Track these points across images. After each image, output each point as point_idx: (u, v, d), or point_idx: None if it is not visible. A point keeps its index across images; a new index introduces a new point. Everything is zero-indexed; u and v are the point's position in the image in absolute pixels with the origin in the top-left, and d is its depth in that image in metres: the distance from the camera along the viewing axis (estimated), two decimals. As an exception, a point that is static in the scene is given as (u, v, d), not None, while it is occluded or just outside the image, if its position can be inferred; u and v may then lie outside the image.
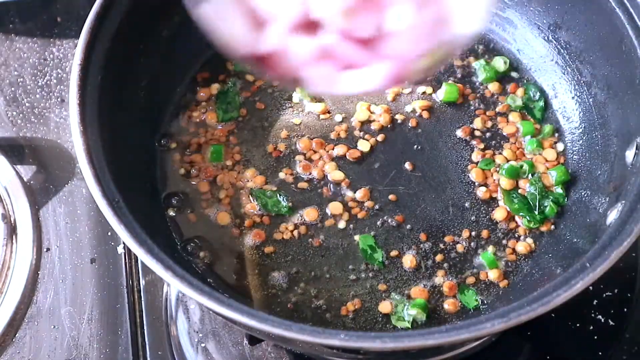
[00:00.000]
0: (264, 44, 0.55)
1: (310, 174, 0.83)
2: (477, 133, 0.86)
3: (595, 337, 0.79)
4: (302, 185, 0.82)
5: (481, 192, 0.82)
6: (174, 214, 0.80)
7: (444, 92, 0.87)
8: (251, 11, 0.55)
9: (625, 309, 0.80)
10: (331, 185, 0.82)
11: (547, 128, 0.85)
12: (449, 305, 0.76)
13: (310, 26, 0.54)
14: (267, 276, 0.77)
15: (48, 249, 0.86)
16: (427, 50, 0.55)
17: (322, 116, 0.86)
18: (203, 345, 0.79)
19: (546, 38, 0.87)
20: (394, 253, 0.78)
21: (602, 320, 0.79)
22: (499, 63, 0.89)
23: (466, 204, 0.81)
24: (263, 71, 0.57)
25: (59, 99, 0.96)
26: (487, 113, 0.87)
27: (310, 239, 0.79)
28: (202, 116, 0.86)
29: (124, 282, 0.84)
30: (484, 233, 0.80)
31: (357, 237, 0.79)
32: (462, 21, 0.55)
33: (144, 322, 0.81)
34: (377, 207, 0.81)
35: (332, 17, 0.53)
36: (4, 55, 1.00)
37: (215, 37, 0.55)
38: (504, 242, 0.79)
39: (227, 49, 0.55)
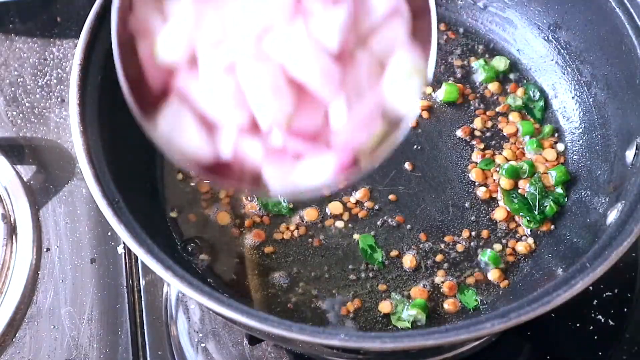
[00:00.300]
0: (219, 149, 0.56)
1: (310, 174, 0.83)
2: (477, 133, 0.86)
3: (595, 337, 0.78)
4: (302, 185, 0.82)
5: (481, 192, 0.82)
6: (174, 215, 0.80)
7: (444, 92, 0.87)
8: (202, 118, 0.56)
9: (625, 309, 0.80)
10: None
11: (547, 128, 0.85)
12: (449, 305, 0.76)
13: (259, 127, 0.55)
14: (267, 276, 0.77)
15: (48, 249, 0.86)
16: (372, 136, 0.57)
17: (322, 116, 0.86)
18: (203, 345, 0.79)
19: (546, 38, 0.87)
20: (394, 253, 0.78)
21: (602, 320, 0.79)
22: (499, 63, 0.89)
23: (466, 204, 0.81)
24: (222, 182, 0.57)
25: (59, 99, 0.96)
26: (487, 113, 0.87)
27: (310, 239, 0.79)
28: (202, 116, 0.86)
29: (124, 282, 0.84)
30: (484, 233, 0.80)
31: (357, 237, 0.79)
32: (399, 105, 0.56)
33: (144, 322, 0.81)
34: (377, 207, 0.81)
35: (276, 122, 0.54)
36: (4, 55, 1.00)
37: (174, 152, 0.55)
38: (504, 242, 0.79)
39: (186, 161, 0.56)
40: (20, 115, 0.95)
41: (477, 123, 0.86)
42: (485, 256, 0.78)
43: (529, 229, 0.80)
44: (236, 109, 0.54)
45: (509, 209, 0.80)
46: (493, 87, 0.88)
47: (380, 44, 0.56)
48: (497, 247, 0.79)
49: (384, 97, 0.56)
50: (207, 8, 0.54)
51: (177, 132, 0.55)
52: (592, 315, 0.79)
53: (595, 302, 0.80)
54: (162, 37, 0.55)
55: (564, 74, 0.86)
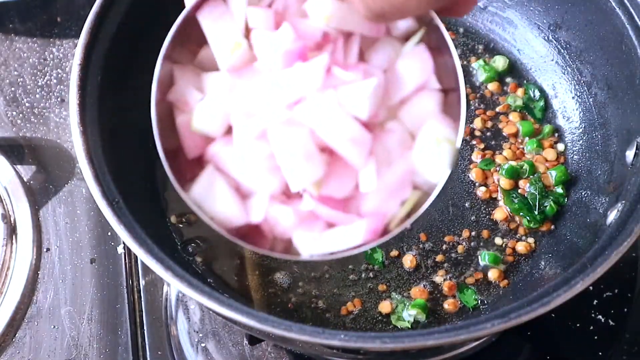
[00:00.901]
0: (251, 215, 0.58)
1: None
2: (477, 133, 0.86)
3: (595, 337, 0.78)
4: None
5: (481, 192, 0.82)
6: (174, 220, 0.80)
7: (444, 92, 0.87)
8: (236, 185, 0.58)
9: (625, 309, 0.80)
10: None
11: (547, 128, 0.85)
12: (448, 305, 0.76)
13: (291, 194, 0.57)
14: (268, 276, 0.77)
15: (48, 249, 0.86)
16: (402, 203, 0.58)
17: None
18: (203, 345, 0.79)
19: (546, 38, 0.87)
20: (394, 253, 0.78)
21: (602, 320, 0.79)
22: (499, 63, 0.89)
23: (466, 204, 0.81)
24: (252, 246, 0.59)
25: (59, 99, 0.96)
26: (487, 113, 0.87)
27: (310, 239, 0.79)
28: (202, 116, 0.86)
29: (124, 282, 0.84)
30: (484, 233, 0.80)
31: (357, 237, 0.79)
32: (429, 173, 0.57)
33: (144, 322, 0.81)
34: (377, 207, 0.81)
35: (306, 188, 0.56)
36: (4, 55, 1.00)
37: (206, 215, 0.57)
38: (504, 242, 0.79)
39: (219, 224, 0.57)
40: (20, 115, 0.95)
41: (477, 123, 0.86)
42: (485, 256, 0.78)
43: (529, 229, 0.80)
44: (268, 174, 0.56)
45: (509, 209, 0.80)
46: (493, 87, 0.88)
47: (410, 115, 0.58)
48: (497, 247, 0.79)
49: (413, 165, 0.57)
50: (241, 79, 0.57)
51: (210, 198, 0.57)
52: (592, 315, 0.79)
53: (595, 302, 0.80)
54: (199, 110, 0.57)
55: (564, 74, 0.86)
